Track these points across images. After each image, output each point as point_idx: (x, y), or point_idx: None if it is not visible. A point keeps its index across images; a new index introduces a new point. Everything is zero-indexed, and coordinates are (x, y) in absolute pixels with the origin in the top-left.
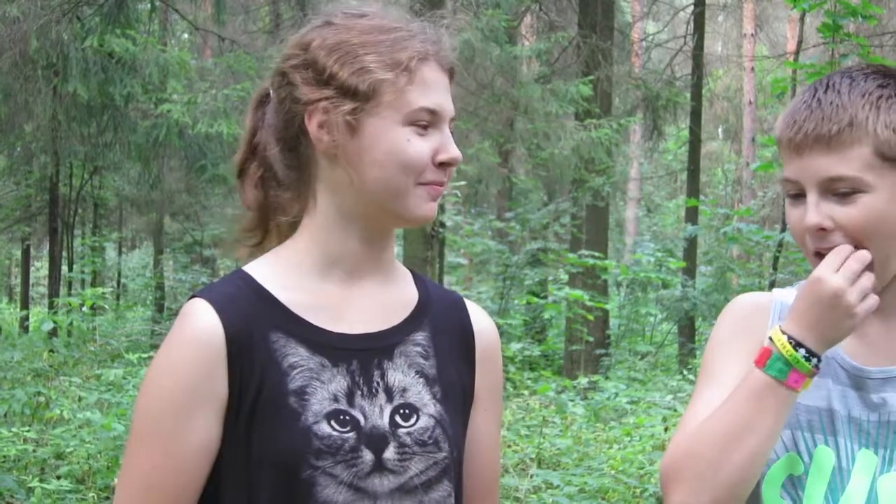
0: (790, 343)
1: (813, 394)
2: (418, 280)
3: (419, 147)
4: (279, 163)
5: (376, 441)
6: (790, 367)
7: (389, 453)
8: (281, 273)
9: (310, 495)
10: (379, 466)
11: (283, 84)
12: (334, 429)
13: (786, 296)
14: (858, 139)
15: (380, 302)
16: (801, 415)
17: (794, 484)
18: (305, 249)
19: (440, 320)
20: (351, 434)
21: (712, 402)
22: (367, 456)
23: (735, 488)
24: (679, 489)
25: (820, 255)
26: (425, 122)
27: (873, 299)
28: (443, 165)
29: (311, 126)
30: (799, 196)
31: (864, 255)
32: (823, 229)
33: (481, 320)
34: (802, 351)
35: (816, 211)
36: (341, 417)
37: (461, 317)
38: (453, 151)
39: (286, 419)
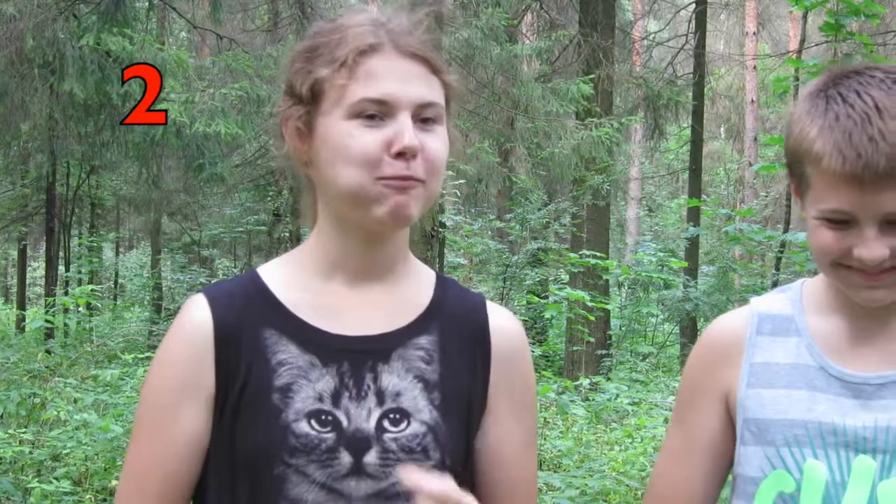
0: None
1: (798, 407)
2: (441, 283)
3: (363, 140)
4: (296, 170)
5: (357, 444)
6: None
7: (370, 457)
8: (288, 274)
9: (279, 492)
10: (357, 470)
11: None
12: (313, 428)
13: (766, 304)
14: None
15: (385, 304)
16: (785, 430)
17: (786, 502)
18: (312, 252)
19: (453, 324)
20: (330, 434)
21: (678, 455)
22: (346, 458)
23: None
24: None
25: (851, 270)
26: (372, 112)
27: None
28: (401, 156)
29: (286, 135)
30: (843, 223)
31: None
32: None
33: (502, 321)
34: None
35: (879, 244)
36: (322, 417)
37: (479, 321)
38: (405, 140)
39: (267, 415)
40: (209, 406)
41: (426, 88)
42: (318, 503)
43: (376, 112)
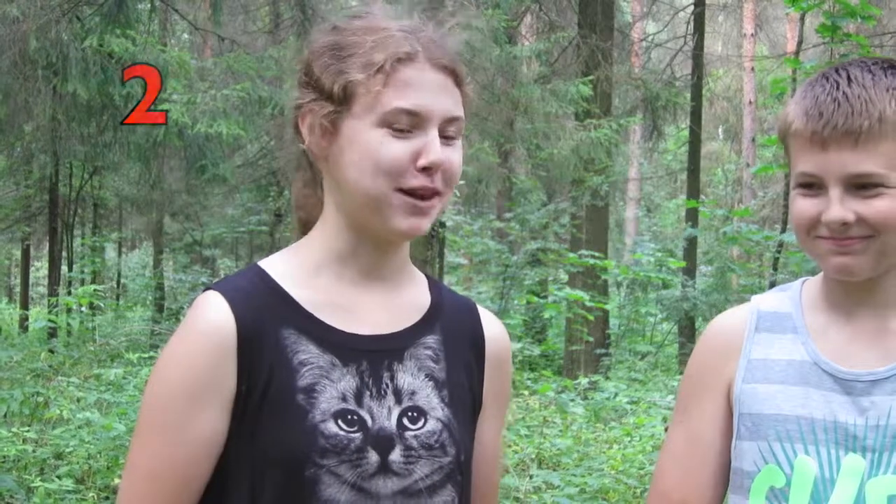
0: None
1: (792, 403)
2: (433, 285)
3: (392, 149)
4: (298, 161)
5: (383, 443)
6: None
7: (395, 455)
8: (295, 270)
9: (312, 493)
10: (384, 468)
11: (294, 85)
12: (341, 428)
13: (766, 301)
14: (886, 135)
15: (392, 304)
16: (778, 425)
17: (776, 496)
18: (318, 248)
19: (452, 325)
20: (358, 434)
21: (682, 452)
22: (373, 457)
23: None
24: None
25: (823, 239)
26: (404, 124)
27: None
28: (427, 171)
29: (303, 128)
30: (813, 187)
31: None
32: (846, 223)
33: (493, 327)
34: None
35: (841, 206)
36: (349, 417)
37: (473, 323)
38: (433, 155)
39: (293, 416)
40: (228, 407)
41: (453, 103)
42: (350, 503)
43: (407, 124)
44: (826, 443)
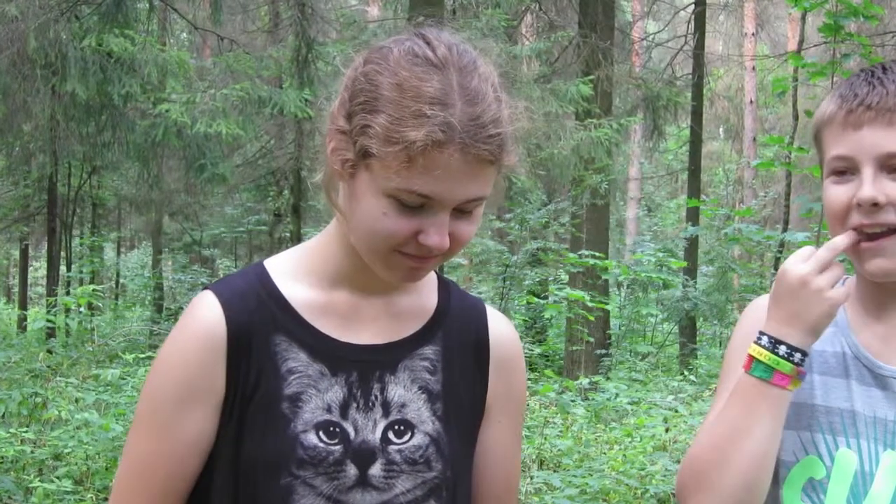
0: (769, 345)
1: (835, 394)
2: (443, 286)
3: (393, 223)
4: (324, 156)
5: (363, 456)
6: (772, 368)
7: (375, 469)
8: (299, 273)
9: (285, 502)
10: (362, 482)
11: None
12: (321, 440)
13: None
14: None
15: (392, 313)
16: (820, 416)
17: (814, 487)
18: (325, 253)
19: (455, 331)
20: (338, 447)
21: None
22: (352, 470)
23: (740, 492)
24: (692, 500)
25: (859, 231)
26: (414, 202)
27: (848, 286)
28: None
29: (329, 142)
30: (845, 173)
31: (836, 243)
32: (877, 204)
33: (500, 328)
34: (783, 349)
35: (873, 185)
36: (331, 429)
37: (478, 325)
38: (433, 239)
39: (276, 424)
40: (217, 409)
41: (478, 186)
42: None
43: (417, 203)
44: (867, 437)
